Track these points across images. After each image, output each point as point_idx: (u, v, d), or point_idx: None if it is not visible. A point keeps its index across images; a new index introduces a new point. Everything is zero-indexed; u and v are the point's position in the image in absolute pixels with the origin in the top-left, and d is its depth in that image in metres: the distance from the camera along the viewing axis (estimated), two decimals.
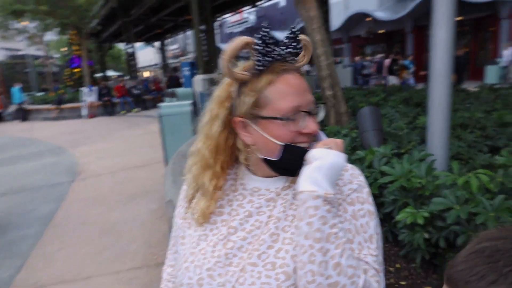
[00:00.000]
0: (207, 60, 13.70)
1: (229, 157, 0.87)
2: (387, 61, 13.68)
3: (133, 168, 6.78)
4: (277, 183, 0.85)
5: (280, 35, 15.96)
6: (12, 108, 18.34)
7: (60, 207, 5.06)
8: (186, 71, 16.80)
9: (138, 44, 31.44)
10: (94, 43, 26.79)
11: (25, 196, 5.69)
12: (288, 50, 0.79)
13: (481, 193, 1.84)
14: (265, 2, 20.50)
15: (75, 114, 16.30)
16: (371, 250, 0.75)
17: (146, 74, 41.17)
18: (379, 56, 15.76)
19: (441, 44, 2.43)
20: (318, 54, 4.59)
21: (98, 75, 24.30)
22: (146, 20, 22.45)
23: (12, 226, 4.53)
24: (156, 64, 44.35)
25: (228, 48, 0.77)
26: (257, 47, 0.76)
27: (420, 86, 8.95)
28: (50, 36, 26.61)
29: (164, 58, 34.48)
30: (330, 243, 0.69)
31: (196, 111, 6.57)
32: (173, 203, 3.20)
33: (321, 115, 0.83)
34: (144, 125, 12.52)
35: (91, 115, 16.08)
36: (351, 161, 2.54)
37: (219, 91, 0.85)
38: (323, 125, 4.19)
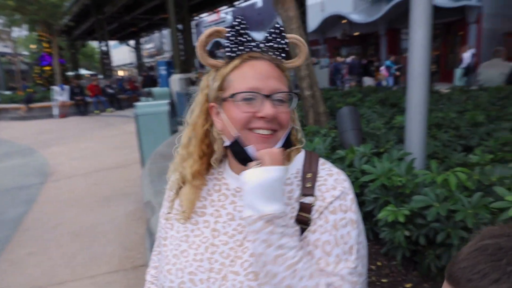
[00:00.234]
0: (184, 59, 13.57)
1: (206, 145, 0.86)
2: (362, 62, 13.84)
3: (108, 169, 6.59)
4: None
5: (258, 35, 15.96)
6: None
7: (31, 209, 4.86)
8: (162, 70, 16.57)
9: (112, 43, 30.77)
10: (66, 41, 26.00)
11: None
12: (270, 44, 0.80)
13: (459, 191, 1.88)
14: (242, 2, 20.51)
15: (46, 113, 15.81)
16: (349, 263, 0.73)
17: (120, 73, 40.33)
18: (351, 57, 15.87)
19: (419, 45, 2.48)
20: (296, 54, 4.59)
21: (70, 73, 23.61)
22: (120, 18, 22.01)
23: None
24: (131, 63, 43.58)
25: (201, 36, 0.79)
26: (228, 35, 0.78)
27: (396, 87, 9.18)
28: (18, 32, 25.60)
29: (139, 57, 34.01)
30: (278, 265, 0.68)
31: (173, 111, 6.46)
32: (151, 204, 3.12)
33: (293, 105, 0.82)
34: (119, 125, 12.22)
35: (63, 115, 15.61)
36: (331, 160, 2.55)
37: (202, 81, 0.86)
38: (302, 125, 4.20)
